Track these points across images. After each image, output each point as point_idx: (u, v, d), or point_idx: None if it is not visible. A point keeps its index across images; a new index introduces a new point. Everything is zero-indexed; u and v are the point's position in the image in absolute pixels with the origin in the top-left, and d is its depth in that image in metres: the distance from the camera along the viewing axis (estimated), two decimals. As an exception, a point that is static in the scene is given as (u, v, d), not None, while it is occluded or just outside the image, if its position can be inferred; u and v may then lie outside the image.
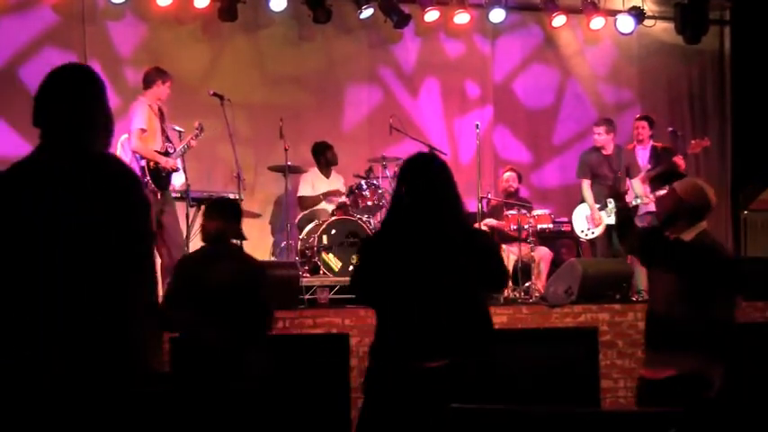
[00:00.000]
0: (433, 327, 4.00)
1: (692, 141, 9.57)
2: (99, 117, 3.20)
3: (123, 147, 8.05)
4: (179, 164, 8.14)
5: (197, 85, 9.70)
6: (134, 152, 7.99)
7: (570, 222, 9.43)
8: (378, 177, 9.40)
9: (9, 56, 9.47)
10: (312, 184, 9.60)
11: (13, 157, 10.31)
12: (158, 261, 8.06)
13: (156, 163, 7.83)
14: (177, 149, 8.05)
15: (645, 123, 9.44)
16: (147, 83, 8.04)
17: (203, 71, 10.07)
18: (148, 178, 7.77)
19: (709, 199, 5.19)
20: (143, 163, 7.80)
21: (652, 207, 9.12)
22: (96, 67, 9.55)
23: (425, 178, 4.14)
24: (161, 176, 7.87)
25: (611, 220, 8.92)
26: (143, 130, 7.84)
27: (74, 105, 3.14)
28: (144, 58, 9.75)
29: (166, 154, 7.97)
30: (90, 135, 3.15)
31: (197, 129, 8.21)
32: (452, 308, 4.02)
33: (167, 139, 8.08)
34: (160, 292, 8.00)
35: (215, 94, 8.39)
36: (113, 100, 9.96)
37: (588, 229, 9.11)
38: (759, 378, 7.62)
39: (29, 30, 9.55)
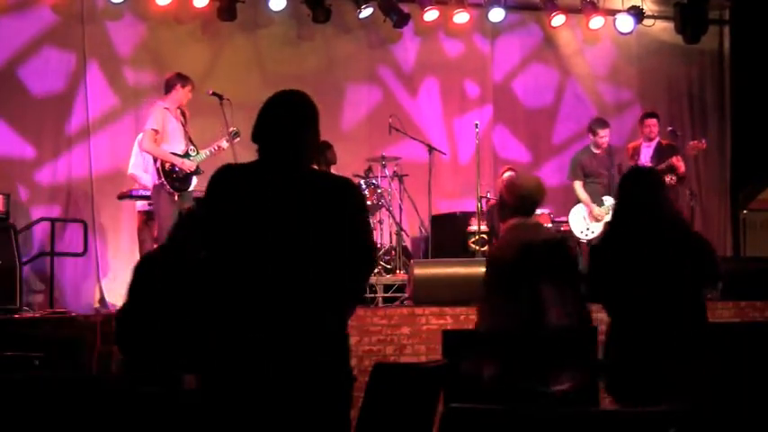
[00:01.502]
0: (661, 327, 4.36)
1: (690, 143, 9.57)
2: (309, 139, 3.61)
3: (139, 147, 8.16)
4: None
5: (196, 84, 9.60)
6: (145, 152, 7.99)
7: (569, 223, 9.43)
8: (377, 177, 9.39)
9: (8, 56, 9.45)
10: None
11: (12, 156, 10.24)
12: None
13: (172, 164, 7.83)
14: (201, 152, 8.05)
15: (655, 121, 9.46)
16: (167, 87, 8.09)
17: (202, 71, 10.03)
18: (163, 179, 7.78)
19: (521, 194, 5.06)
20: (158, 164, 7.80)
21: None
22: (95, 66, 9.64)
23: (639, 188, 4.57)
24: (178, 178, 7.86)
25: (610, 218, 8.95)
26: (155, 131, 7.83)
27: (289, 128, 3.59)
28: (143, 58, 9.75)
29: (187, 156, 7.96)
30: (301, 153, 3.56)
31: (229, 133, 8.15)
32: (674, 308, 4.36)
33: (191, 141, 8.07)
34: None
35: (214, 94, 8.36)
36: (112, 100, 9.97)
37: (587, 229, 9.11)
38: (759, 378, 7.61)
39: (28, 30, 9.53)
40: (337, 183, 3.61)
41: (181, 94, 8.02)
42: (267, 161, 3.58)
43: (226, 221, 3.47)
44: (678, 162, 9.12)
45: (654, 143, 9.42)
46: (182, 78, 8.07)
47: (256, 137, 3.65)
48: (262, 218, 3.44)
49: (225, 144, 8.12)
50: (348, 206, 3.51)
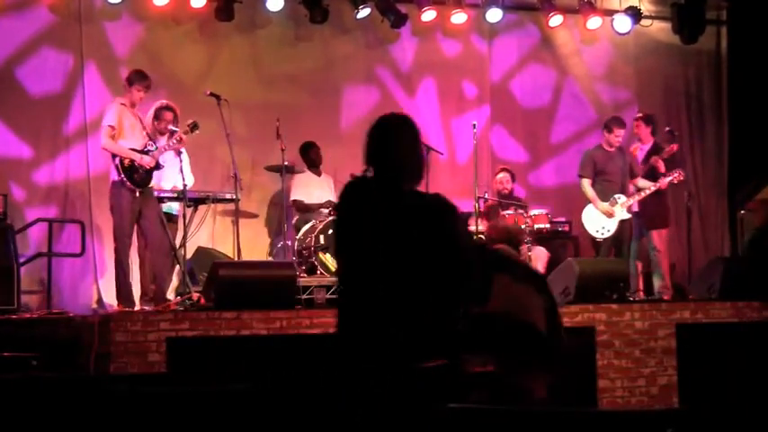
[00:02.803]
0: None
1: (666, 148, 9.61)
2: (411, 159, 3.96)
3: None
4: (178, 163, 8.09)
5: (193, 84, 9.69)
6: (103, 148, 7.91)
7: (569, 223, 9.44)
8: (375, 177, 9.38)
9: (6, 56, 9.43)
10: (306, 186, 9.59)
11: (9, 157, 10.22)
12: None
13: (132, 161, 7.78)
14: (160, 147, 7.99)
15: (639, 123, 9.53)
16: (126, 83, 8.03)
17: (200, 71, 10.05)
18: (123, 176, 7.72)
19: (506, 236, 5.34)
20: (117, 161, 7.74)
21: (635, 207, 9.18)
22: (93, 67, 9.64)
23: None
24: (138, 174, 7.81)
25: (624, 214, 8.97)
26: (111, 128, 7.78)
27: (390, 151, 4.00)
28: (140, 59, 9.73)
29: (146, 152, 7.91)
30: (403, 174, 3.92)
31: (188, 125, 8.14)
32: None
33: (150, 137, 8.01)
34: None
35: (211, 94, 8.36)
36: (109, 100, 10.00)
37: (603, 227, 9.07)
38: (757, 377, 7.62)
39: (25, 30, 9.51)
40: (431, 201, 3.92)
41: (130, 91, 7.95)
42: (376, 179, 3.97)
43: (343, 232, 3.95)
44: (656, 163, 9.17)
45: (647, 146, 9.48)
46: (131, 78, 7.99)
47: (366, 158, 4.06)
48: (365, 232, 3.84)
49: (184, 137, 8.09)
50: (443, 221, 3.83)
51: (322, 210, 9.36)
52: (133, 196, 7.76)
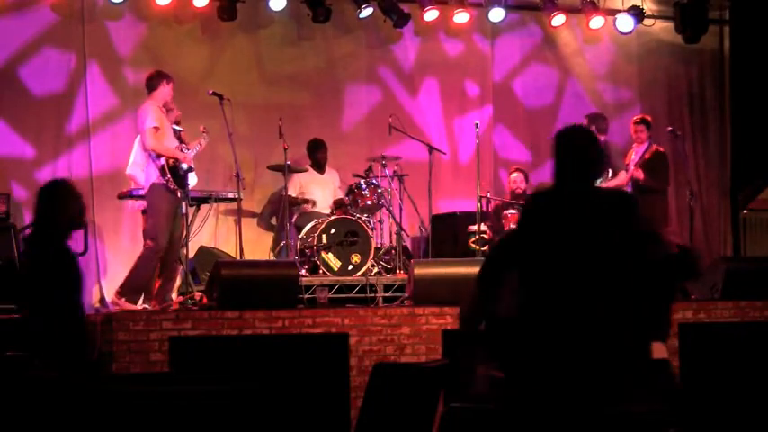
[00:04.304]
0: None
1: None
2: (597, 163, 4.35)
3: (141, 146, 7.92)
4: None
5: (196, 84, 9.69)
6: (152, 150, 7.72)
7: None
8: (377, 177, 9.40)
9: (8, 56, 9.45)
10: (299, 184, 9.58)
11: (12, 156, 10.19)
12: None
13: (175, 161, 7.75)
14: (191, 149, 8.01)
15: (642, 127, 9.50)
16: (152, 86, 7.87)
17: (202, 70, 10.05)
18: (169, 176, 7.64)
19: None
20: (161, 162, 7.65)
21: None
22: (95, 66, 9.65)
23: None
24: (179, 175, 7.77)
25: None
26: (156, 129, 7.66)
27: (581, 157, 4.26)
28: (143, 58, 9.75)
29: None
30: (588, 175, 4.22)
31: (204, 132, 8.17)
32: None
33: (179, 139, 8.03)
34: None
35: (214, 94, 8.37)
36: (111, 100, 9.96)
37: None
38: (757, 377, 7.61)
39: (28, 29, 9.53)
40: (615, 197, 4.21)
41: (166, 91, 7.87)
42: (565, 187, 4.21)
43: (533, 241, 4.11)
44: (638, 173, 9.13)
45: (642, 147, 9.45)
46: (165, 76, 7.94)
47: (557, 169, 4.28)
48: (561, 235, 4.03)
49: (203, 143, 8.13)
50: (630, 216, 4.06)
51: (305, 204, 9.44)
52: (174, 197, 7.72)
